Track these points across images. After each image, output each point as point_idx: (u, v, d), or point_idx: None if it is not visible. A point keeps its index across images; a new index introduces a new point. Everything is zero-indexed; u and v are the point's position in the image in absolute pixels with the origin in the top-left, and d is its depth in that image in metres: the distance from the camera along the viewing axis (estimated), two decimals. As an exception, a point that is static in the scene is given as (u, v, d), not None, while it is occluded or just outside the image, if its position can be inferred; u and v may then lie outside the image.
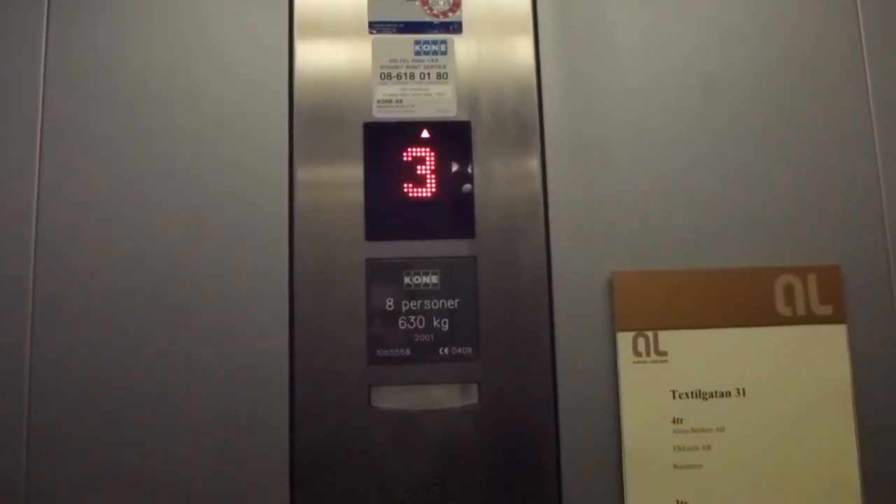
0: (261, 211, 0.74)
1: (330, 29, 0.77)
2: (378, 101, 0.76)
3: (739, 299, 0.77)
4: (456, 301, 0.74)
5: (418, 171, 0.75)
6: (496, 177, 0.76)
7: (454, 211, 0.75)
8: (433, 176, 0.75)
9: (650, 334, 0.75)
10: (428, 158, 0.75)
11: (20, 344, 0.71)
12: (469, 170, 0.75)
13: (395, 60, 0.76)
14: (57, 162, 0.74)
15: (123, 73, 0.75)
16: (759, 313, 0.77)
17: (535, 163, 0.76)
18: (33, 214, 0.73)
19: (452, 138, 0.76)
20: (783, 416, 0.75)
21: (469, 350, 0.73)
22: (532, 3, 0.79)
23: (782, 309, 0.77)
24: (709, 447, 0.74)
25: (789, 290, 0.77)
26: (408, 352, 0.73)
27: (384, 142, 0.75)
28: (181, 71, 0.76)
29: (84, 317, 0.71)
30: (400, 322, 0.73)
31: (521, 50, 0.78)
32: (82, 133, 0.74)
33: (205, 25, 0.76)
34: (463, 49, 0.77)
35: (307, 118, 0.75)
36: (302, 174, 0.75)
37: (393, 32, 0.77)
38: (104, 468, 0.69)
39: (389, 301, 0.73)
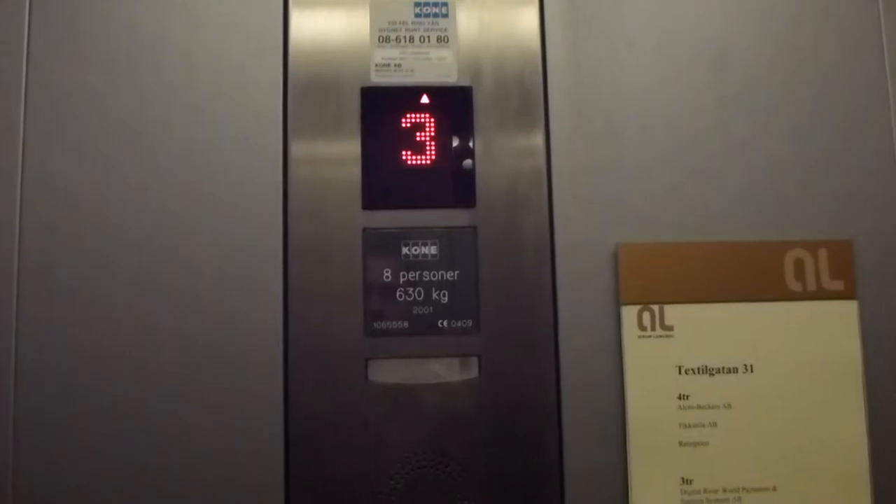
0: (254, 179, 0.71)
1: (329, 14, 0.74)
2: (376, 65, 0.73)
3: (748, 273, 0.74)
4: (456, 273, 0.71)
5: (417, 138, 0.72)
6: (498, 145, 0.73)
7: (454, 180, 0.72)
8: (433, 143, 0.72)
9: (656, 308, 0.73)
10: (427, 125, 0.73)
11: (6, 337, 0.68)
12: (470, 137, 0.73)
13: (393, 23, 0.73)
14: (42, 126, 0.71)
15: (114, 31, 0.72)
16: (768, 288, 0.74)
17: (538, 132, 0.74)
18: (18, 176, 0.70)
19: (453, 104, 0.73)
20: (791, 394, 0.73)
21: (469, 323, 0.71)
22: (537, -35, 0.76)
23: (792, 284, 0.75)
24: (715, 424, 0.72)
25: (799, 265, 0.75)
26: (406, 324, 0.70)
27: (382, 107, 0.73)
28: (175, 33, 0.73)
29: (71, 291, 0.69)
30: (398, 294, 0.71)
31: (526, 14, 0.75)
32: (70, 95, 0.71)
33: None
34: (465, 12, 0.75)
35: (303, 82, 0.72)
36: (297, 141, 0.72)
37: (392, -6, 0.74)
38: (95, 446, 0.67)
39: (387, 272, 0.71)
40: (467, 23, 0.74)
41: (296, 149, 0.72)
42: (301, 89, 0.72)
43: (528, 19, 0.75)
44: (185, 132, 0.71)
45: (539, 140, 0.74)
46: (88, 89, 0.71)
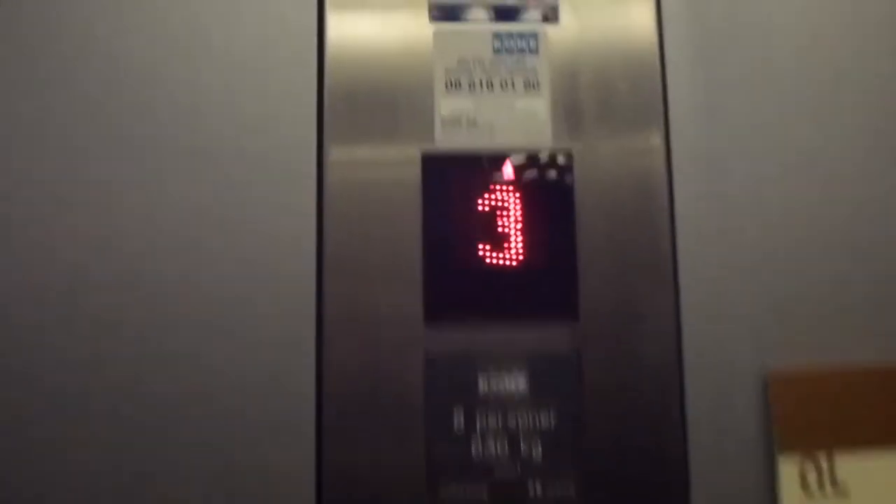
0: (285, 279, 0.51)
1: (375, 14, 0.53)
2: (443, 120, 0.52)
3: (939, 405, 0.55)
4: (551, 414, 0.51)
5: (499, 227, 0.52)
6: (608, 236, 0.53)
7: (550, 283, 0.52)
8: (520, 233, 0.52)
9: (822, 458, 0.53)
10: (512, 206, 0.52)
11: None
12: (570, 225, 0.52)
13: (465, 61, 0.53)
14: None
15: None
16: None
17: (661, 218, 0.54)
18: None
19: (547, 177, 0.53)
20: None
21: (571, 489, 0.51)
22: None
23: None
24: None
25: None
26: (484, 493, 0.50)
27: (450, 181, 0.52)
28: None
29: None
30: (473, 447, 0.50)
31: (644, 51, 0.55)
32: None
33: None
34: (562, 46, 0.54)
35: (345, 142, 0.52)
36: (336, 225, 0.51)
37: (463, 21, 0.53)
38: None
39: (458, 415, 0.50)
40: (566, 58, 0.54)
41: (333, 237, 0.51)
42: (344, 150, 0.52)
43: (647, 58, 0.55)
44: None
45: (663, 230, 0.53)
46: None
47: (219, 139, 0.52)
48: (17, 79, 0.52)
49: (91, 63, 0.53)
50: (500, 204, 0.52)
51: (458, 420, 0.50)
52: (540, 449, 0.51)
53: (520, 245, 0.52)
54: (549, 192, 0.52)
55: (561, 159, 0.53)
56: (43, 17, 0.54)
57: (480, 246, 0.52)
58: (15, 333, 0.50)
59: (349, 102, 0.52)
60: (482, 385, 0.51)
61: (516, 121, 0.53)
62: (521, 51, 0.53)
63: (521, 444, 0.51)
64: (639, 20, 0.55)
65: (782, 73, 0.56)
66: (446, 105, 0.52)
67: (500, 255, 0.52)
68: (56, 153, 0.52)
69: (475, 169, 0.52)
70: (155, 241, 0.51)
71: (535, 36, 0.53)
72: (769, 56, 0.57)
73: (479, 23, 0.53)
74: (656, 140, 0.54)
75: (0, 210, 0.51)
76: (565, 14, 0.54)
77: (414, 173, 0.52)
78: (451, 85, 0.52)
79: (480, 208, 0.52)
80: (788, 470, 0.53)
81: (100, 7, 0.54)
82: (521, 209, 0.52)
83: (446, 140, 0.52)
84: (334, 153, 0.52)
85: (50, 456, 0.49)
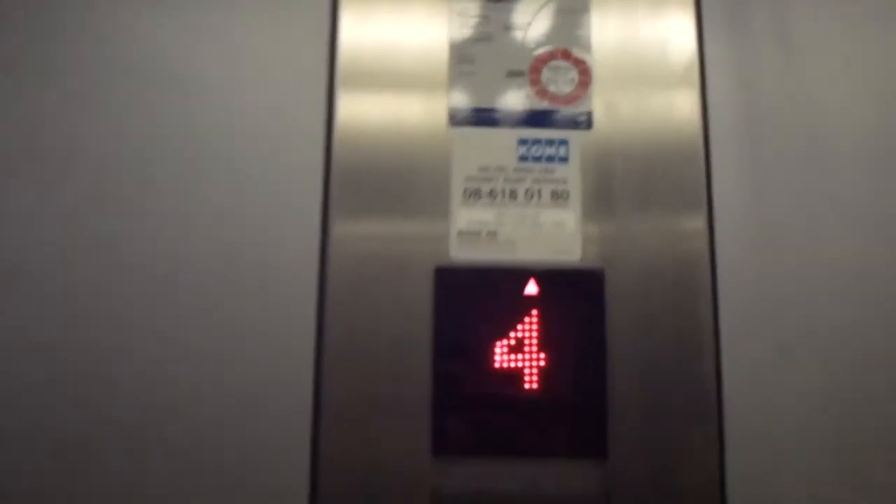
0: (278, 428, 0.46)
1: (387, 116, 0.50)
2: (459, 233, 0.48)
3: None
4: (577, 568, 0.45)
5: (521, 351, 0.47)
6: (641, 361, 0.47)
7: (577, 418, 0.47)
8: (543, 359, 0.47)
9: None
10: (534, 329, 0.47)
11: None
12: (601, 349, 0.47)
13: (486, 169, 0.49)
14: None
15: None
16: None
17: (703, 348, 0.48)
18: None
19: (575, 297, 0.48)
20: None
21: None
22: (700, 85, 0.51)
23: None
24: None
25: None
26: None
27: (467, 299, 0.47)
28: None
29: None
30: None
31: (686, 156, 0.50)
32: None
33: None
34: (593, 154, 0.50)
35: (350, 266, 0.48)
36: (336, 347, 0.47)
37: (486, 125, 0.49)
38: None
39: (469, 567, 0.45)
40: (598, 168, 0.49)
41: (332, 360, 0.47)
42: (349, 272, 0.48)
43: (689, 165, 0.50)
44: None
45: (705, 360, 0.48)
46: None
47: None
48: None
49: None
50: (521, 325, 0.47)
51: (470, 573, 0.45)
52: None
53: (543, 371, 0.47)
54: (575, 312, 0.47)
55: (590, 277, 0.48)
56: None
57: (499, 372, 0.46)
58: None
59: (356, 192, 0.49)
60: (497, 531, 0.45)
61: (542, 235, 0.48)
62: (551, 159, 0.49)
63: None
64: (682, 106, 0.51)
65: (830, 152, 0.51)
66: (463, 216, 0.48)
67: (521, 383, 0.46)
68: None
69: (493, 286, 0.47)
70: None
71: (565, 143, 0.49)
72: (815, 135, 0.52)
73: (503, 127, 0.49)
74: (704, 302, 0.48)
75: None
76: (599, 113, 0.50)
77: (426, 286, 0.48)
78: (471, 195, 0.48)
79: (499, 329, 0.47)
80: None
81: (113, 78, 0.51)
82: (544, 330, 0.47)
83: (463, 253, 0.48)
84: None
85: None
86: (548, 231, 0.48)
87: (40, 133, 0.50)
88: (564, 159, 0.49)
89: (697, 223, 0.49)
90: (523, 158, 0.49)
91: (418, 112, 0.50)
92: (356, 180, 0.49)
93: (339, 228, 0.48)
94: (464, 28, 0.50)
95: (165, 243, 0.48)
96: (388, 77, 0.50)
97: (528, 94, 0.49)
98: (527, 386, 0.47)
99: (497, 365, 0.47)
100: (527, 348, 0.47)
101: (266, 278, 0.48)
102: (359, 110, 0.49)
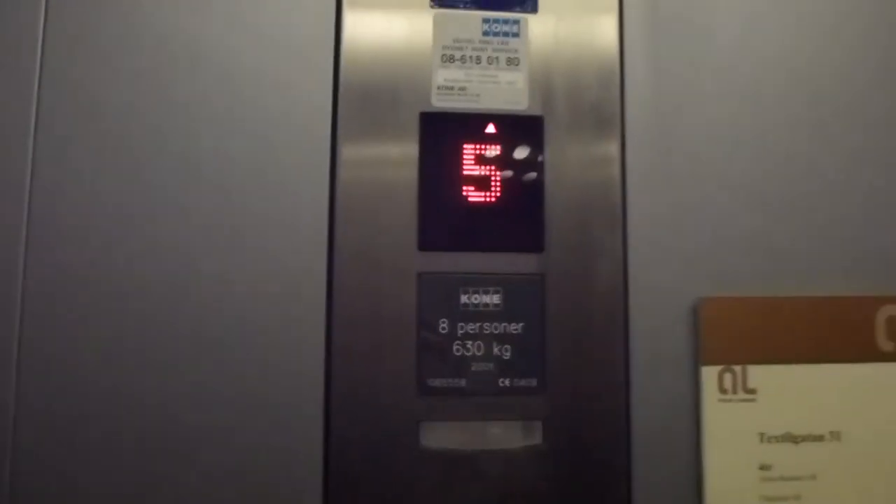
0: (297, 211, 0.63)
1: (385, 8, 0.66)
2: (438, 87, 0.65)
3: (837, 332, 0.67)
4: (520, 325, 0.64)
5: (481, 173, 0.64)
6: (570, 183, 0.65)
7: (521, 220, 0.65)
8: (498, 179, 0.64)
9: (738, 369, 0.66)
10: (493, 158, 0.65)
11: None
12: (540, 173, 0.65)
13: (459, 41, 0.65)
14: (56, 137, 0.62)
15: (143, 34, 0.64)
16: (858, 348, 0.67)
17: (615, 169, 0.66)
18: (26, 191, 0.61)
19: (522, 135, 0.65)
20: (882, 463, 0.66)
21: (533, 382, 0.63)
22: (618, -20, 0.68)
23: (884, 344, 0.68)
24: (799, 497, 0.65)
25: (892, 323, 0.68)
26: (463, 383, 0.63)
27: (443, 136, 0.65)
28: (212, 37, 0.64)
29: (93, 313, 0.61)
30: (455, 348, 0.63)
31: (605, 36, 0.67)
32: (90, 102, 0.63)
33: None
34: (538, 31, 0.66)
35: (356, 103, 0.64)
36: (346, 170, 0.64)
37: (458, 7, 0.65)
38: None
39: (443, 323, 0.63)
40: (541, 41, 0.66)
41: (345, 180, 0.64)
42: (353, 110, 0.64)
43: (607, 38, 0.67)
44: (222, 148, 0.63)
45: (615, 179, 0.66)
46: (113, 97, 0.63)
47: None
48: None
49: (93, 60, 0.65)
50: (483, 155, 0.64)
51: (443, 327, 0.63)
52: (509, 351, 0.63)
53: (498, 188, 0.64)
54: (522, 146, 0.65)
55: (533, 121, 0.65)
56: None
57: (466, 188, 0.64)
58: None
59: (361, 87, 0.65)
60: (464, 300, 0.64)
61: (499, 90, 0.65)
62: (506, 34, 0.66)
63: (495, 347, 0.63)
64: (604, 28, 0.68)
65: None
66: (441, 75, 0.65)
67: (482, 196, 0.64)
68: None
69: (463, 126, 0.65)
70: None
71: (518, 22, 0.66)
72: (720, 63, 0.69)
73: (472, 9, 0.66)
74: (615, 140, 0.66)
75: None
76: (543, 6, 0.67)
77: (413, 133, 0.65)
78: (447, 59, 0.65)
79: (466, 158, 0.64)
80: (709, 377, 0.65)
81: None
82: (500, 159, 0.64)
83: (441, 103, 0.65)
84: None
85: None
86: (503, 87, 0.65)
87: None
88: (517, 35, 0.66)
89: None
90: (486, 33, 0.66)
91: (407, 7, 0.66)
92: (366, 47, 0.65)
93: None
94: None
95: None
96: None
97: (491, -16, 0.66)
98: (487, 199, 0.64)
99: (465, 185, 0.64)
100: (489, 171, 0.64)
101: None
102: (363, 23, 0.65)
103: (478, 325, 0.63)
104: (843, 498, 0.66)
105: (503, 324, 0.64)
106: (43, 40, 0.63)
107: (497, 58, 0.65)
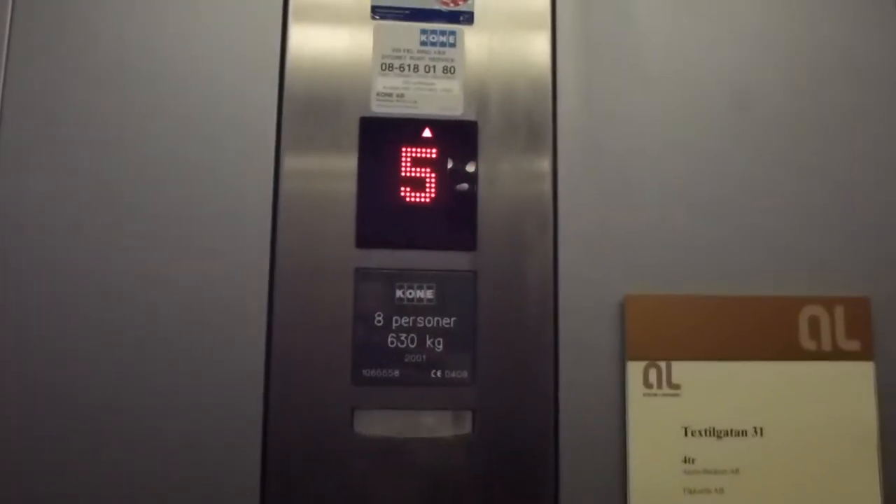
0: (243, 208, 0.67)
1: (328, 11, 0.70)
2: (378, 94, 0.69)
3: (761, 330, 0.70)
4: (452, 319, 0.67)
5: (417, 174, 0.68)
6: (503, 185, 0.69)
7: (455, 220, 0.68)
8: (433, 180, 0.68)
9: (663, 365, 0.69)
10: (429, 160, 0.68)
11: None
12: (473, 176, 0.68)
13: (398, 50, 0.69)
14: (16, 136, 0.66)
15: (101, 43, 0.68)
16: (781, 346, 0.70)
17: (546, 172, 0.70)
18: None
19: (457, 140, 0.69)
20: (803, 459, 0.69)
21: (464, 374, 0.66)
22: (551, -2, 0.72)
23: (806, 342, 0.71)
24: (722, 490, 0.68)
25: (814, 323, 0.71)
26: (396, 373, 0.66)
27: (382, 139, 0.68)
28: (168, 47, 0.68)
29: (45, 311, 0.64)
30: (389, 339, 0.66)
31: (537, 47, 0.71)
32: (50, 107, 0.67)
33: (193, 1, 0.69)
34: (474, 42, 0.70)
35: (299, 107, 0.68)
36: (289, 170, 0.67)
37: (397, 19, 0.69)
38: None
39: (378, 316, 0.66)
40: (476, 52, 0.70)
41: (288, 178, 0.67)
42: (297, 114, 0.68)
43: (539, 49, 0.71)
44: (173, 152, 0.67)
45: (546, 181, 0.69)
46: (70, 100, 0.67)
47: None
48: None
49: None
50: (419, 157, 0.68)
51: (378, 319, 0.66)
52: (441, 343, 0.66)
53: (433, 189, 0.68)
54: (457, 149, 0.69)
55: (468, 126, 0.69)
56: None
57: (402, 189, 0.68)
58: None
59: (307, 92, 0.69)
60: (398, 294, 0.67)
61: (435, 97, 0.69)
62: (443, 44, 0.70)
63: (427, 340, 0.66)
64: (537, 40, 0.72)
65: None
66: (381, 83, 0.69)
67: (418, 196, 0.68)
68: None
69: (400, 130, 0.68)
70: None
71: (454, 33, 0.70)
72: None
73: (410, 21, 0.70)
74: (546, 145, 0.70)
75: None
76: (479, 13, 0.71)
77: (354, 137, 0.68)
78: (386, 67, 0.69)
79: (403, 160, 0.68)
80: (635, 372, 0.68)
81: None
82: (435, 162, 0.68)
83: (380, 108, 0.69)
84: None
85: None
86: (440, 94, 0.69)
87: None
88: (453, 45, 0.70)
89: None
90: (424, 43, 0.69)
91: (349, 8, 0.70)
92: (311, 56, 0.69)
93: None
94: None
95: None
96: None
97: (430, -1, 0.70)
98: (423, 199, 0.68)
99: (402, 186, 0.68)
100: (424, 173, 0.68)
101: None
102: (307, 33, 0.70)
103: (412, 318, 0.67)
104: (765, 492, 0.68)
105: (436, 318, 0.67)
106: (7, 49, 0.68)
107: (434, 66, 0.69)
